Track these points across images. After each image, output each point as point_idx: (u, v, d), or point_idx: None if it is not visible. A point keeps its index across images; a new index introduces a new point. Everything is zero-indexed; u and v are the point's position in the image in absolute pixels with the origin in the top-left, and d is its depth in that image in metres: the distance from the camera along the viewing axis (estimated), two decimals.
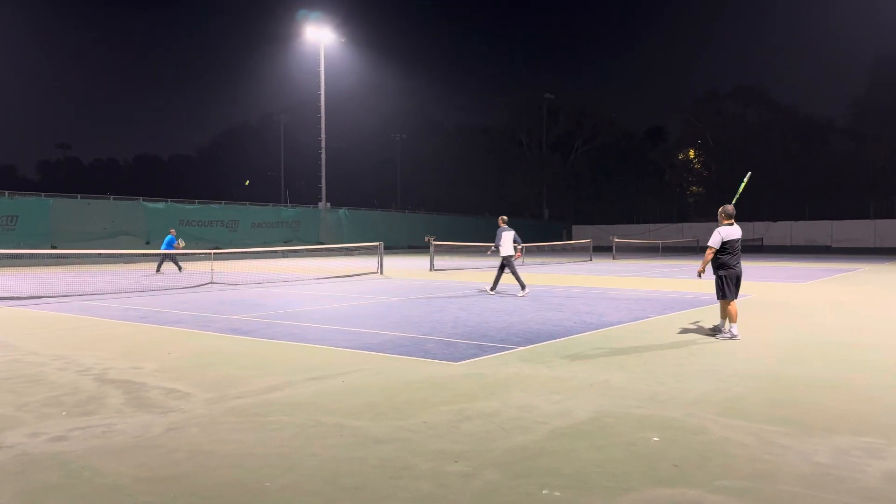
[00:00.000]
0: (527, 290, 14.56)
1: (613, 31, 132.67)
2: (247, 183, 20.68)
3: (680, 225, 57.69)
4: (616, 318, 10.84)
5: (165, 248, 22.48)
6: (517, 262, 15.53)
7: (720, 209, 9.09)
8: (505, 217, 15.51)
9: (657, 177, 68.81)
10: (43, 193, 33.90)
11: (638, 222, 60.91)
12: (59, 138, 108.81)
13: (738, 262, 8.87)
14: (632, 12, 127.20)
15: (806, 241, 51.49)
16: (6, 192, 31.78)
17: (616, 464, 4.13)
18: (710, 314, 11.31)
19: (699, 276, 9.26)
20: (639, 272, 23.92)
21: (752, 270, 24.91)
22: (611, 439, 4.61)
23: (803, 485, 3.80)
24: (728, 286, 8.78)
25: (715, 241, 8.83)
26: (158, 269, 23.09)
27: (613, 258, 35.87)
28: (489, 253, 15.42)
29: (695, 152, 68.42)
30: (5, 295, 14.92)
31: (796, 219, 54.08)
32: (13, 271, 24.31)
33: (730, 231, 8.82)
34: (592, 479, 3.90)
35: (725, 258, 8.81)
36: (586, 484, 3.83)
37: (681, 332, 9.40)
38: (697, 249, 45.42)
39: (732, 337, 8.74)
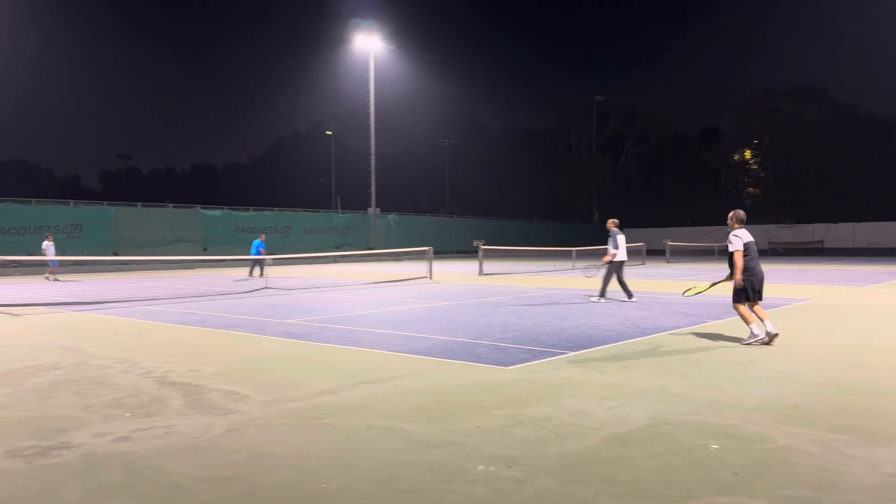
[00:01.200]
0: (603, 300, 13.74)
1: (664, 29, 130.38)
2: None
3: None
4: (671, 323, 10.63)
5: (255, 253, 23.59)
6: (593, 269, 14.94)
7: (732, 214, 8.93)
8: (616, 220, 14.29)
9: (712, 178, 67.32)
10: (105, 202, 35.18)
11: (692, 225, 59.66)
12: (119, 149, 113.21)
13: (758, 264, 8.72)
14: (683, 9, 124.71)
15: (869, 244, 49.58)
16: (71, 202, 33.10)
17: (674, 471, 4.05)
18: (772, 319, 10.99)
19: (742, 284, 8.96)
20: (694, 276, 23.42)
21: (812, 274, 24.14)
22: (668, 447, 4.52)
23: (871, 495, 3.66)
24: (752, 289, 8.58)
25: (738, 244, 8.59)
26: (251, 274, 24.18)
27: (667, 261, 35.21)
28: (605, 260, 13.94)
29: (751, 153, 66.68)
30: (71, 300, 15.53)
31: (859, 220, 52.13)
32: (78, 277, 25.30)
33: (745, 233, 8.69)
34: (651, 486, 3.83)
35: (747, 262, 8.60)
36: (645, 492, 3.76)
37: (739, 338, 9.16)
38: None
39: (755, 339, 8.45)
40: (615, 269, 13.82)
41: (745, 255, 8.52)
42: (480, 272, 24.51)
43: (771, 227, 53.39)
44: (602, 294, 13.89)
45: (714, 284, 9.68)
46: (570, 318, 11.24)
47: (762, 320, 8.61)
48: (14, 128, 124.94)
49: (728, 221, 8.88)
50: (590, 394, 5.97)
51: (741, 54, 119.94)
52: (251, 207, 40.35)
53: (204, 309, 13.44)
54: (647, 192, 67.91)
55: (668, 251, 36.92)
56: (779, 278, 21.94)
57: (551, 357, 7.72)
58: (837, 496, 3.65)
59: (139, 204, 35.54)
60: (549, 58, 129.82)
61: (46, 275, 23.56)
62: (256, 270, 24.41)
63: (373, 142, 45.51)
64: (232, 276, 24.74)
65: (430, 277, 22.45)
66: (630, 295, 13.79)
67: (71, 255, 27.45)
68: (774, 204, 61.04)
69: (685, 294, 10.18)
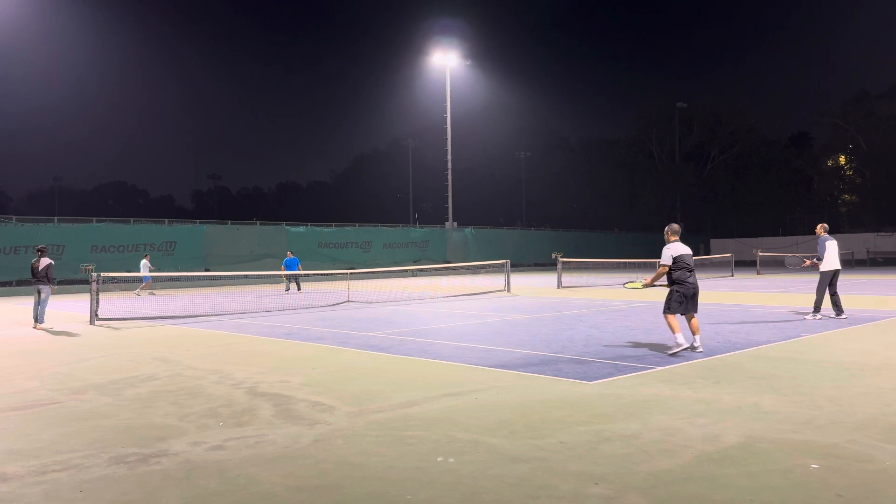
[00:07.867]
0: (819, 316, 12.49)
1: (747, 33, 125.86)
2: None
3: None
4: (764, 338, 10.18)
5: (293, 269, 24.47)
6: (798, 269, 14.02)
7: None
8: (826, 225, 12.71)
9: (804, 186, 64.26)
10: (197, 220, 36.88)
11: (783, 234, 57.05)
12: (210, 170, 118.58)
13: (692, 277, 9.11)
14: (767, 8, 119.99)
15: None
16: (165, 220, 34.86)
17: (772, 492, 3.86)
18: (872, 333, 10.37)
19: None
20: (787, 288, 22.36)
21: None
22: (764, 466, 4.31)
23: None
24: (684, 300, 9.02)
25: (667, 258, 8.89)
26: (289, 289, 25.03)
27: (758, 273, 33.80)
28: (804, 265, 13.05)
29: (846, 158, 63.30)
30: (166, 314, 16.30)
31: None
32: (172, 292, 26.55)
33: (678, 247, 9.01)
34: None
35: (679, 275, 8.94)
36: None
37: (838, 353, 8.68)
38: (853, 262, 41.90)
39: (679, 348, 8.55)
40: (826, 279, 12.43)
41: (678, 268, 8.76)
42: (559, 285, 24.21)
43: (870, 236, 50.44)
44: (816, 309, 12.57)
45: (647, 286, 9.72)
46: (657, 332, 10.93)
47: (694, 333, 8.83)
48: (113, 152, 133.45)
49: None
50: (679, 410, 5.78)
51: (831, 56, 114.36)
52: (333, 223, 41.35)
53: (290, 322, 13.84)
54: (734, 200, 65.39)
55: (758, 262, 35.42)
56: (878, 290, 20.67)
57: (637, 372, 7.53)
58: None
59: (229, 222, 37.06)
60: (628, 66, 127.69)
61: (138, 291, 24.69)
62: (293, 286, 25.36)
63: (449, 157, 45.89)
64: (314, 290, 25.39)
65: (508, 290, 22.35)
66: (840, 311, 12.51)
67: (166, 271, 28.87)
68: (873, 211, 57.65)
69: (626, 286, 10.39)
